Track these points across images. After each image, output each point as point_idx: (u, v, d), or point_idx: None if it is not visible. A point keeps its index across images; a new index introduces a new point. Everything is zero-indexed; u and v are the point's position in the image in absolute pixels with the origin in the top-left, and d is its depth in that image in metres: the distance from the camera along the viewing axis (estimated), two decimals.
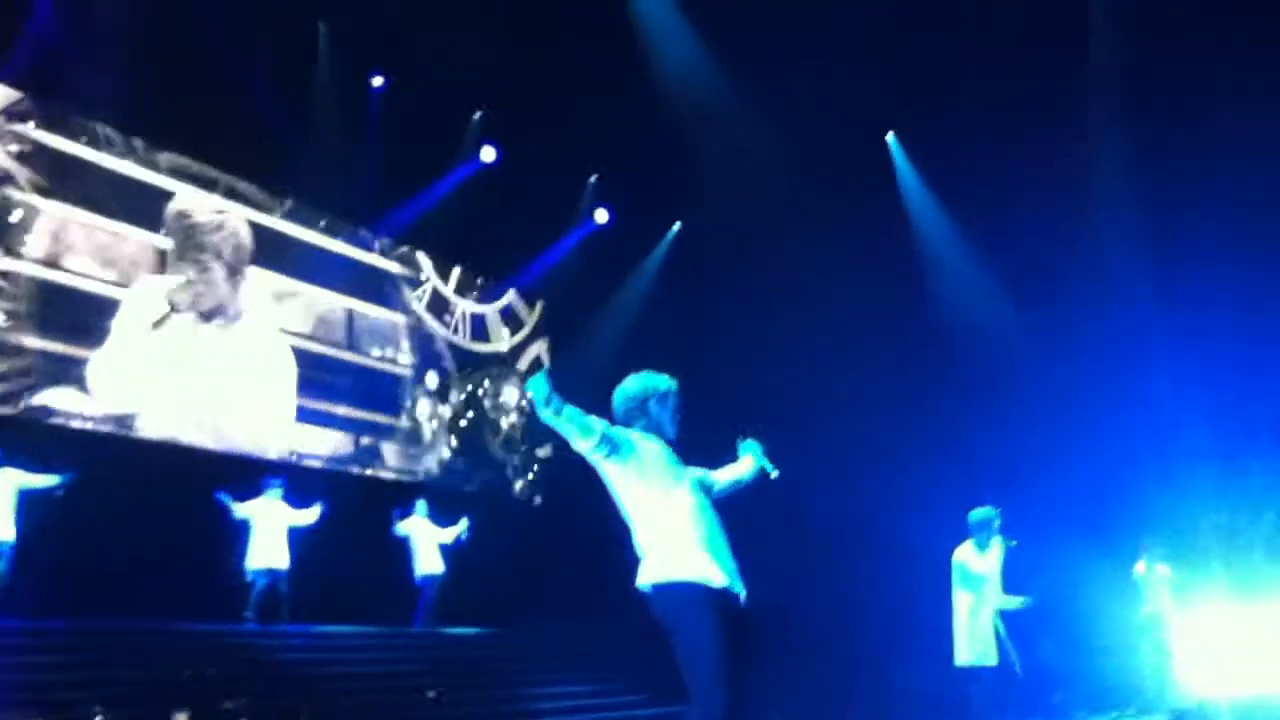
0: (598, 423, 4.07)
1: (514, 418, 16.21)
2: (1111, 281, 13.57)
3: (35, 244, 10.66)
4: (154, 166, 11.91)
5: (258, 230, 12.90)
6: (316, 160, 13.27)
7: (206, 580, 10.44)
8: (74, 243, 11.02)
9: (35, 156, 10.76)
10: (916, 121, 14.64)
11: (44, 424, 10.44)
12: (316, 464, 13.10)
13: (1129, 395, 13.14)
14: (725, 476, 4.48)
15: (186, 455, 11.55)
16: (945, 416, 13.84)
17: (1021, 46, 12.33)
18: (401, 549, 12.37)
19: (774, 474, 4.50)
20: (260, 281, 12.87)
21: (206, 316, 12.18)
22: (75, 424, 10.69)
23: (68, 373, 10.73)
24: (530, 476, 16.10)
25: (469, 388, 15.59)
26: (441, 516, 12.79)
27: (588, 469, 4.28)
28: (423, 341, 14.94)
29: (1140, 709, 10.31)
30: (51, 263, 10.79)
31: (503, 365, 16.21)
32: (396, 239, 14.76)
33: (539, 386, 3.90)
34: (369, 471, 13.80)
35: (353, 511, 12.16)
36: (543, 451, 16.24)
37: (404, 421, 14.42)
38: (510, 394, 16.23)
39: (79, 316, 10.90)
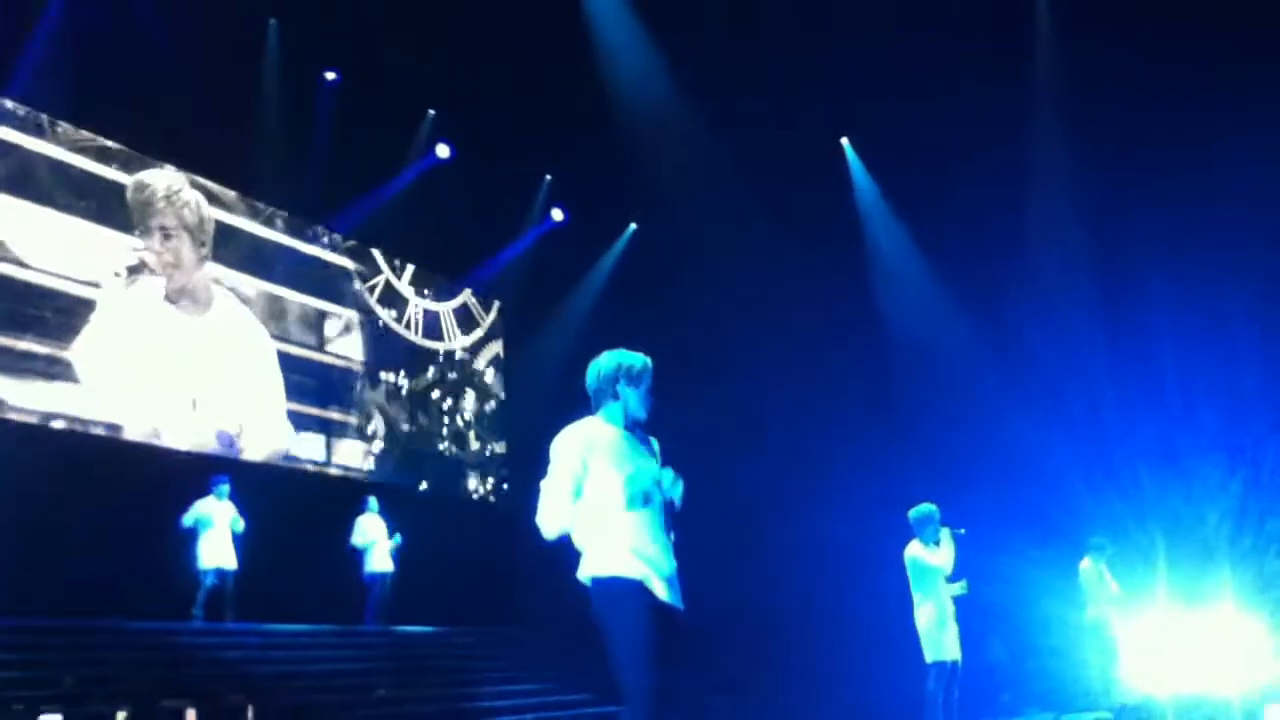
0: (565, 495, 3.99)
1: (468, 416, 16.14)
2: (1056, 288, 13.81)
3: None
4: (104, 160, 11.71)
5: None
6: (269, 156, 13.14)
7: (154, 578, 10.28)
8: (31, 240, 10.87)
9: None
10: (870, 127, 14.79)
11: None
12: (265, 460, 12.93)
13: (1074, 400, 13.39)
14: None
15: (132, 451, 11.36)
16: (893, 420, 14.02)
17: (972, 54, 12.51)
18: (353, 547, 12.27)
19: None
20: (216, 275, 12.74)
21: (175, 297, 12.08)
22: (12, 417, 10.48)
23: (16, 367, 10.54)
24: (483, 474, 16.04)
25: (423, 385, 15.49)
26: (394, 515, 12.70)
27: (541, 468, 4.23)
28: (376, 338, 14.81)
29: (1085, 706, 10.49)
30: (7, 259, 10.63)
31: (458, 363, 16.13)
32: (350, 235, 14.63)
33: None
34: (320, 469, 13.66)
35: (302, 509, 12.04)
36: (497, 449, 16.20)
37: (356, 418, 14.29)
38: (466, 392, 16.17)
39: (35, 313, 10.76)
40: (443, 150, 15.09)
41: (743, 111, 13.82)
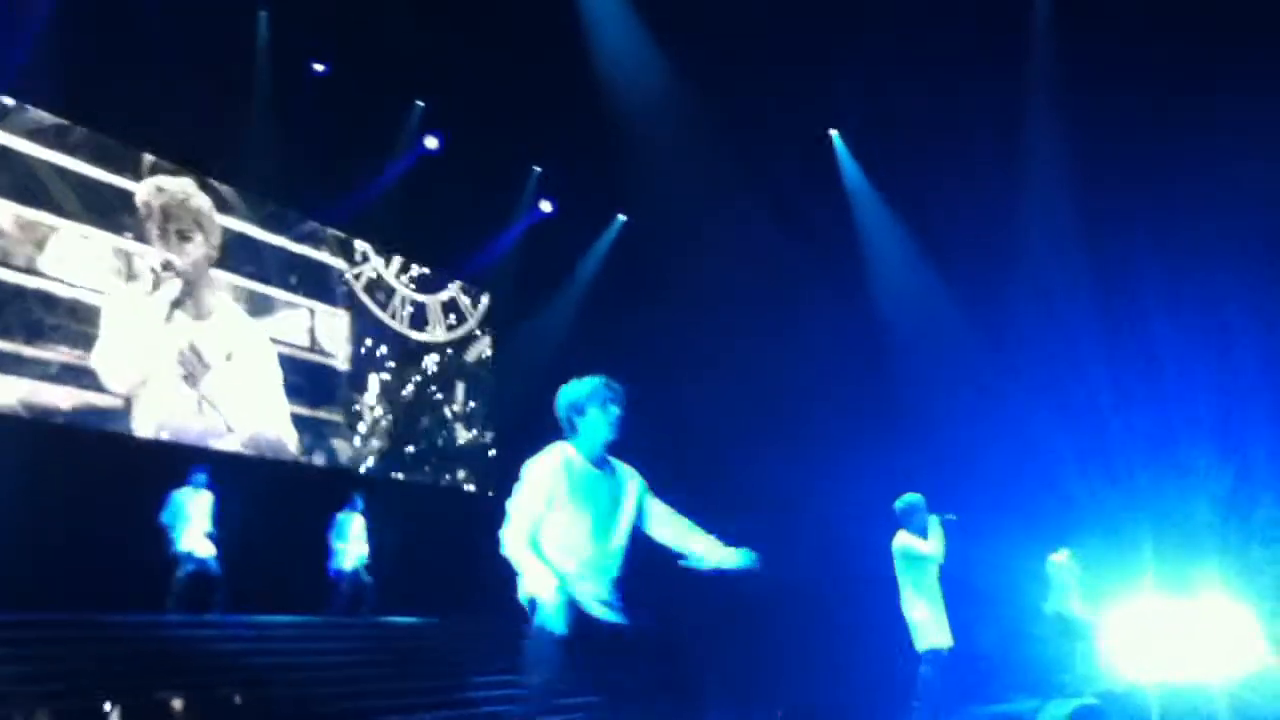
0: (523, 535, 4.21)
1: (457, 408, 16.13)
2: (1051, 276, 13.86)
3: None
4: (104, 162, 11.73)
5: None
6: (258, 149, 13.11)
7: (139, 570, 10.28)
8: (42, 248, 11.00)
9: None
10: (860, 117, 14.81)
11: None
12: (262, 456, 12.95)
13: (1069, 388, 13.44)
14: (682, 537, 4.47)
15: (141, 449, 11.53)
16: (887, 409, 14.07)
17: (966, 45, 12.52)
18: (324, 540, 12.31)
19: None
20: (214, 275, 12.86)
21: (182, 300, 12.26)
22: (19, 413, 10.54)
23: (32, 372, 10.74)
24: (473, 466, 16.04)
25: (411, 378, 15.48)
26: (382, 508, 12.71)
27: (529, 459, 4.33)
28: (364, 332, 14.79)
29: (1071, 693, 10.56)
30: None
31: (446, 356, 16.12)
32: (338, 228, 14.59)
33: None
34: (307, 461, 13.65)
35: (289, 502, 12.06)
36: (486, 441, 16.21)
37: (343, 413, 14.28)
38: (455, 384, 16.16)
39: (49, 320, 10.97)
40: (431, 141, 15.06)
41: (732, 103, 13.82)
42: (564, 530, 4.20)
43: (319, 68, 13.67)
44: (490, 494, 15.63)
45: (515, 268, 16.54)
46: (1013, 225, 13.96)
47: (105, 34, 11.07)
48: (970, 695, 10.03)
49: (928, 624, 7.35)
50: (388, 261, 15.35)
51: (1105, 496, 12.61)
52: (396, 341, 15.33)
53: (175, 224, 12.39)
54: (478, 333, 16.68)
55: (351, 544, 12.31)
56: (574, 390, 4.35)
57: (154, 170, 12.30)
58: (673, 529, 4.47)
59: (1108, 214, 13.11)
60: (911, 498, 7.55)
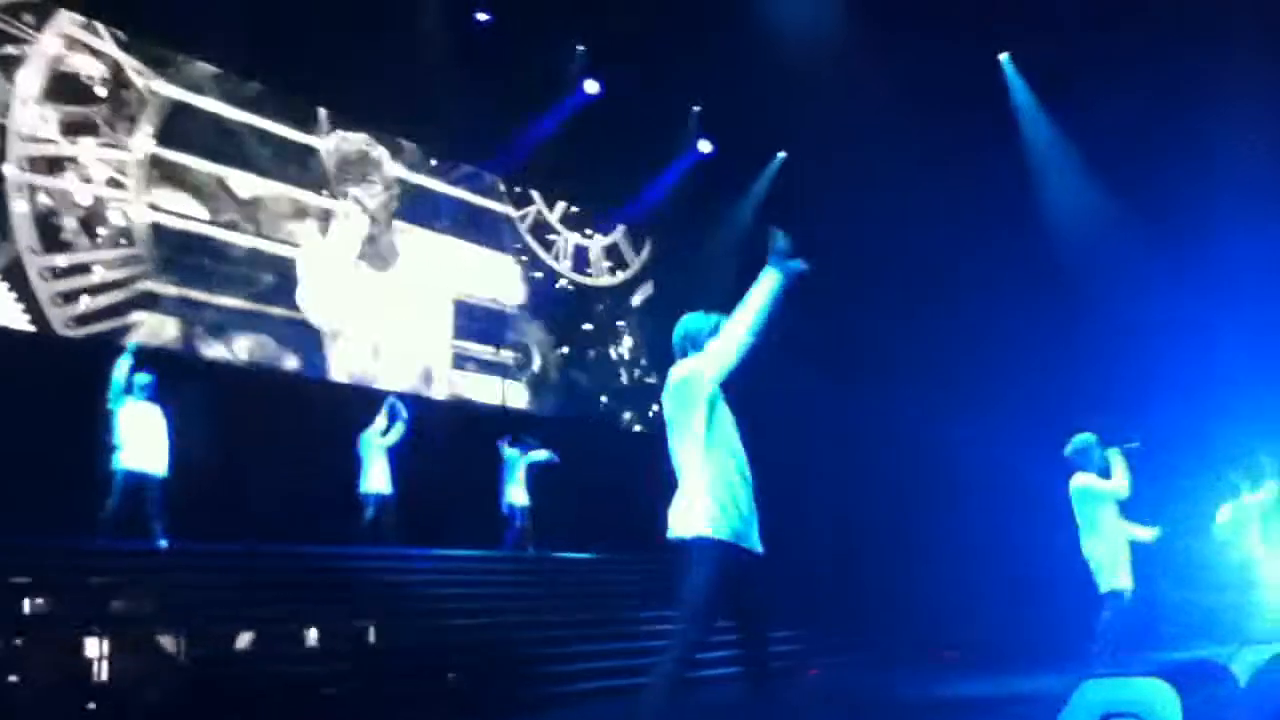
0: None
1: (623, 349, 16.43)
2: (1234, 195, 12.97)
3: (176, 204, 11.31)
4: (284, 118, 12.39)
5: None
6: (423, 101, 13.51)
7: (329, 505, 10.96)
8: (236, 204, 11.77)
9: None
10: (1030, 43, 14.15)
11: (201, 362, 11.25)
12: (435, 396, 13.55)
13: (1260, 312, 12.62)
14: (737, 321, 4.16)
15: (326, 392, 12.33)
16: (1059, 345, 13.61)
17: None
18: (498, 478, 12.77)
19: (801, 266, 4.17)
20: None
21: (365, 252, 12.99)
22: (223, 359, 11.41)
23: (226, 322, 11.55)
24: (637, 406, 16.32)
25: (578, 320, 15.83)
26: (549, 446, 13.09)
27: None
28: (531, 275, 15.22)
29: (1259, 640, 10.11)
30: (193, 216, 11.45)
31: (612, 298, 16.40)
32: (503, 175, 14.97)
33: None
34: (483, 404, 14.17)
35: (462, 442, 12.58)
36: (650, 382, 16.45)
37: (513, 355, 14.76)
38: (618, 326, 16.44)
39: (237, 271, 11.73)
40: (592, 86, 15.18)
41: (894, 31, 13.40)
42: (722, 441, 4.15)
43: (483, 17, 13.92)
44: (655, 434, 15.89)
45: (676, 209, 16.58)
46: (1195, 140, 13.06)
47: (285, 3, 11.61)
48: (1151, 640, 9.76)
49: (1109, 565, 7.13)
50: (551, 206, 15.68)
51: None
52: (563, 285, 15.69)
53: (359, 177, 13.02)
54: (640, 277, 16.89)
55: (519, 482, 12.75)
56: (693, 323, 4.38)
57: (334, 126, 12.88)
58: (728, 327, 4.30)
59: None
60: (1083, 438, 7.29)
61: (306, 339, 12.29)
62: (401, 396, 12.18)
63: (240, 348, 11.65)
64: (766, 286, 4.13)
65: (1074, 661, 7.65)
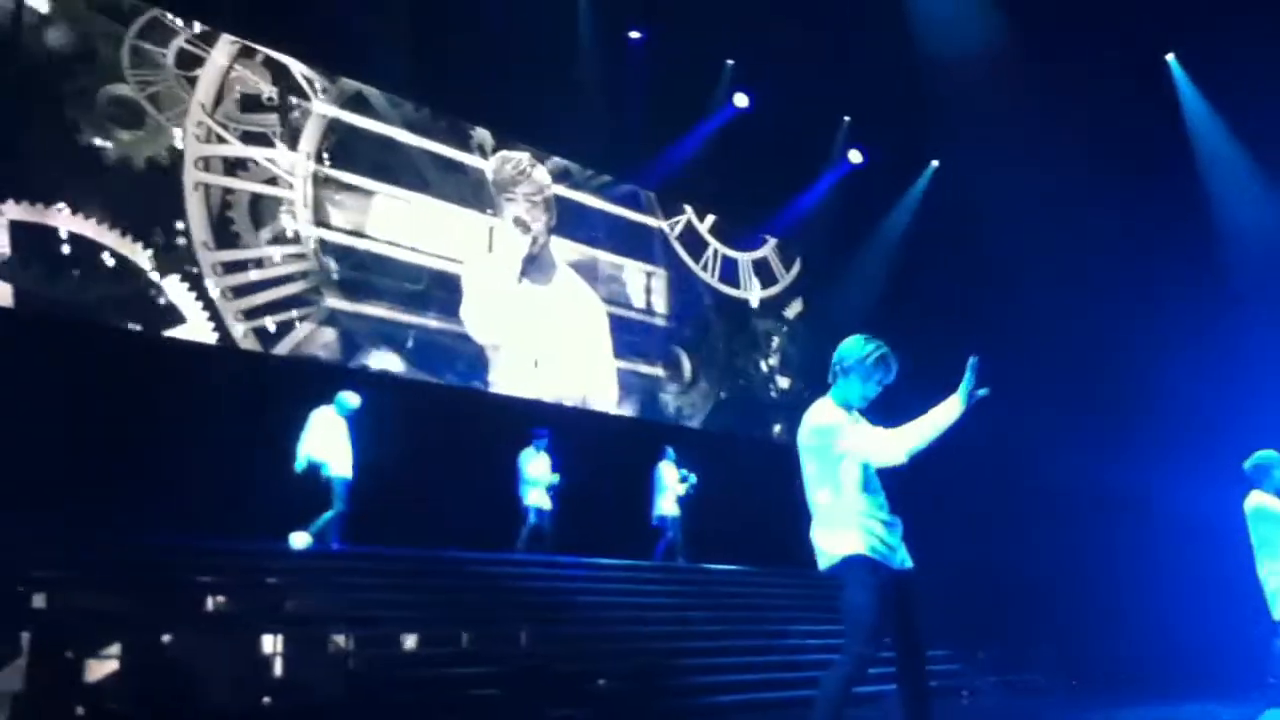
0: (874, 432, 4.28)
1: (773, 360, 16.44)
2: None
3: (344, 218, 11.91)
4: (441, 136, 12.92)
5: None
6: (577, 118, 13.85)
7: (491, 514, 11.32)
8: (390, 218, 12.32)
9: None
10: (1197, 42, 13.54)
11: (367, 372, 11.79)
12: (585, 408, 13.85)
13: None
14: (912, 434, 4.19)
15: (487, 403, 12.77)
16: (1230, 356, 12.98)
17: None
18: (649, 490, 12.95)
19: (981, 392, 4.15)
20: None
21: (525, 268, 13.42)
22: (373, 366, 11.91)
23: (389, 335, 12.08)
24: (787, 419, 16.28)
25: (727, 333, 15.91)
26: (696, 459, 13.19)
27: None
28: (682, 289, 15.39)
29: None
30: (364, 234, 12.05)
31: (762, 311, 16.44)
32: (654, 189, 15.20)
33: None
34: (632, 414, 14.40)
35: (614, 454, 12.83)
36: (801, 395, 16.39)
37: (664, 367, 14.94)
38: (769, 340, 16.46)
39: (400, 286, 12.27)
40: (741, 99, 15.27)
41: (1051, 32, 13.03)
42: (855, 473, 4.25)
43: (635, 35, 14.19)
44: None
45: (826, 221, 16.50)
46: None
47: (447, 25, 12.08)
48: None
49: None
50: (701, 218, 15.84)
51: None
52: (713, 298, 15.82)
53: (522, 194, 13.45)
54: (790, 292, 16.90)
55: (669, 494, 12.89)
56: (852, 350, 4.38)
57: (496, 144, 13.37)
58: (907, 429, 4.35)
59: None
60: (1265, 454, 6.94)
61: (469, 352, 12.72)
62: (558, 410, 12.51)
63: (404, 360, 12.13)
64: (950, 414, 4.14)
65: (1238, 691, 7.32)
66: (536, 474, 11.81)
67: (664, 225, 15.40)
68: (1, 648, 6.46)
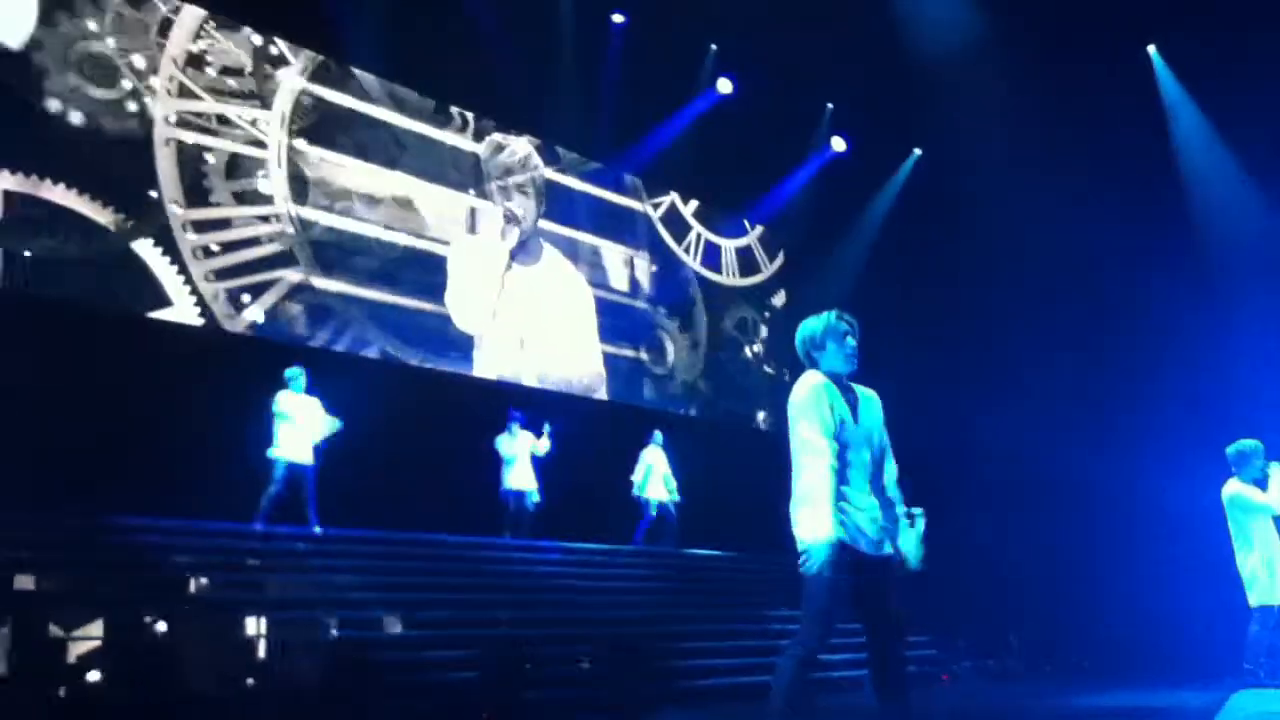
0: (832, 432, 4.17)
1: (757, 347, 16.50)
2: None
3: (325, 198, 11.82)
4: (428, 119, 12.86)
5: None
6: (560, 100, 13.83)
7: (471, 498, 11.34)
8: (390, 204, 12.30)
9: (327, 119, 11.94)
10: (1178, 33, 13.60)
11: (364, 361, 11.77)
12: (571, 392, 13.86)
13: None
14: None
15: (471, 386, 12.71)
16: (1208, 344, 13.11)
17: None
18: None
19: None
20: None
21: (514, 250, 13.39)
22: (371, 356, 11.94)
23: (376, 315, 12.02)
24: (771, 406, 16.34)
25: (712, 319, 15.95)
26: (682, 444, 13.23)
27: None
28: (666, 274, 15.41)
29: None
30: (371, 221, 12.06)
31: (746, 298, 16.48)
32: (638, 173, 15.19)
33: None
34: (616, 399, 14.41)
35: (598, 438, 12.86)
36: (785, 381, 16.45)
37: (648, 352, 14.96)
38: (753, 326, 16.52)
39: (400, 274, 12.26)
40: (724, 85, 15.26)
41: (1035, 22, 13.07)
42: (839, 448, 4.17)
43: (618, 19, 14.16)
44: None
45: (809, 208, 16.54)
46: None
47: (429, 5, 12.05)
48: None
49: (1261, 579, 6.89)
50: (685, 202, 15.86)
51: None
52: (698, 284, 15.85)
53: (512, 179, 13.45)
54: (773, 281, 16.95)
55: (653, 479, 12.93)
56: (809, 327, 4.37)
57: (486, 130, 13.38)
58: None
59: None
60: (1246, 443, 7.04)
61: (454, 336, 12.67)
62: (542, 394, 12.52)
63: (388, 342, 12.08)
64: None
65: (1215, 677, 7.41)
66: (513, 454, 11.77)
67: (648, 209, 15.41)
68: None
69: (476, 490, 11.38)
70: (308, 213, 11.56)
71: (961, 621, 12.24)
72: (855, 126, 16.26)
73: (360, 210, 12.03)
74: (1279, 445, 7.19)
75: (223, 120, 11.00)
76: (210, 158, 10.84)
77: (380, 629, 8.68)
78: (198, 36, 10.92)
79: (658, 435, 13.13)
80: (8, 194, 9.39)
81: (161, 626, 7.37)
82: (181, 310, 10.44)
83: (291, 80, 11.66)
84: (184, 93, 10.72)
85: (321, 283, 11.58)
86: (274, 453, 9.55)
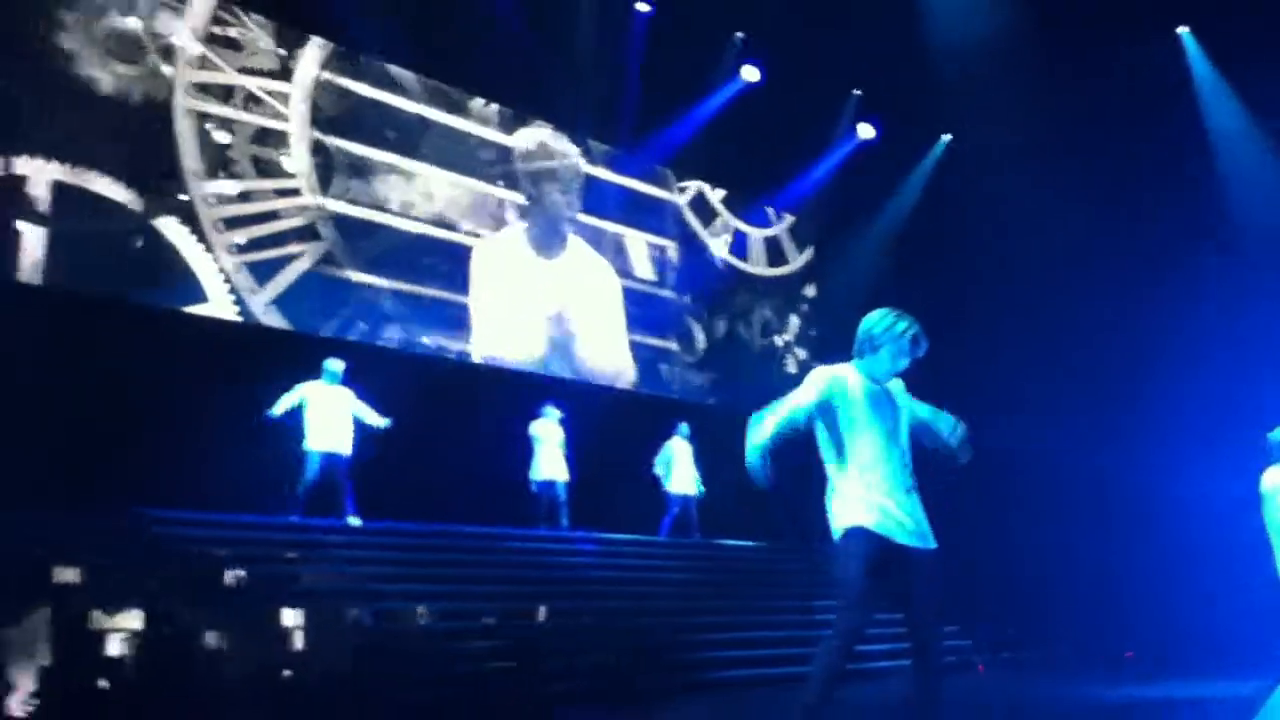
0: (799, 412, 4.26)
1: (788, 337, 16.44)
2: None
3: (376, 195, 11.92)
4: (450, 109, 12.86)
5: None
6: (585, 89, 13.81)
7: (502, 488, 11.38)
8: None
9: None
10: (1210, 14, 13.41)
11: (389, 352, 11.78)
12: (598, 382, 13.86)
13: None
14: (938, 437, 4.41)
15: (496, 376, 12.73)
16: (1241, 334, 12.97)
17: None
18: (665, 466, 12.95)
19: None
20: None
21: (539, 241, 13.44)
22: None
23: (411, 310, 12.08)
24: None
25: (741, 308, 15.91)
26: (708, 435, 13.21)
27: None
28: (694, 263, 15.37)
29: None
30: (395, 212, 12.09)
31: (775, 287, 16.42)
32: (665, 163, 15.14)
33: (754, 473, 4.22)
34: (644, 389, 14.41)
35: (626, 428, 12.83)
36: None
37: (677, 342, 14.94)
38: (786, 315, 16.47)
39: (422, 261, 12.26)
40: (750, 73, 15.18)
41: (1064, 5, 12.92)
42: (862, 445, 4.23)
43: (643, 8, 14.12)
44: None
45: (837, 197, 16.45)
46: None
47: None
48: None
49: None
50: (713, 190, 15.82)
51: None
52: (727, 274, 15.82)
53: (539, 169, 13.46)
54: (803, 272, 16.88)
55: (681, 469, 12.90)
56: (875, 324, 4.35)
57: (510, 119, 13.38)
58: (931, 430, 4.41)
59: None
60: None
61: (479, 323, 12.68)
62: (571, 383, 12.54)
63: (417, 333, 12.12)
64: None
65: (1256, 667, 7.32)
66: (543, 436, 11.80)
67: (676, 198, 15.37)
68: (27, 623, 6.55)
69: (505, 481, 11.40)
70: (331, 203, 11.60)
71: (993, 613, 12.17)
72: (884, 113, 16.14)
73: (384, 196, 12.03)
74: None
75: (250, 98, 11.06)
76: (230, 133, 10.89)
77: (413, 620, 8.72)
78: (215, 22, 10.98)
79: (683, 427, 13.09)
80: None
81: (198, 618, 7.44)
82: (207, 285, 10.48)
83: (309, 67, 11.66)
84: (205, 65, 10.77)
85: (353, 275, 11.64)
86: (305, 444, 9.67)
